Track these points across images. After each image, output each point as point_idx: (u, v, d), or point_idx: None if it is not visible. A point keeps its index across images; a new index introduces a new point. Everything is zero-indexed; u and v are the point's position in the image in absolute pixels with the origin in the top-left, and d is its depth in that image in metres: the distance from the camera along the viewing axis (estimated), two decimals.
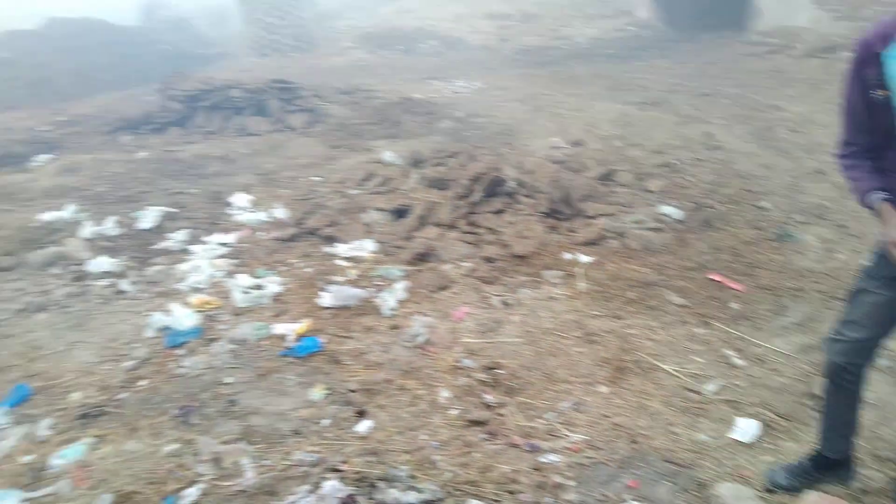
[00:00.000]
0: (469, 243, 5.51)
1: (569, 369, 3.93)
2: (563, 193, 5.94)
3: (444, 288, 4.94)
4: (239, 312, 4.69)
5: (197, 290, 5.04)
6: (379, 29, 19.49)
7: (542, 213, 5.72)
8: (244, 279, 5.07)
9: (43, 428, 3.56)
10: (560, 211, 5.82)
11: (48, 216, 6.54)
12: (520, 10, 20.33)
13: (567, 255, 5.22)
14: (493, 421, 3.46)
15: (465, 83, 12.36)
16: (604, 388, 3.76)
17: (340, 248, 5.58)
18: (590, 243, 5.45)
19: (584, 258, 5.17)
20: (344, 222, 5.97)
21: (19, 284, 5.41)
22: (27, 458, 3.34)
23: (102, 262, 5.59)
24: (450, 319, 4.50)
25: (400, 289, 4.85)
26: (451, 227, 5.70)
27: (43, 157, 9.02)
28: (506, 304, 4.66)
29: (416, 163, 6.95)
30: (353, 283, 5.02)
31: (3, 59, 16.76)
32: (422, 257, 5.33)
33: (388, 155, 7.45)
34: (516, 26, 19.19)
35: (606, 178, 6.67)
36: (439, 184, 6.28)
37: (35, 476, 3.20)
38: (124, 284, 5.26)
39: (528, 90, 11.30)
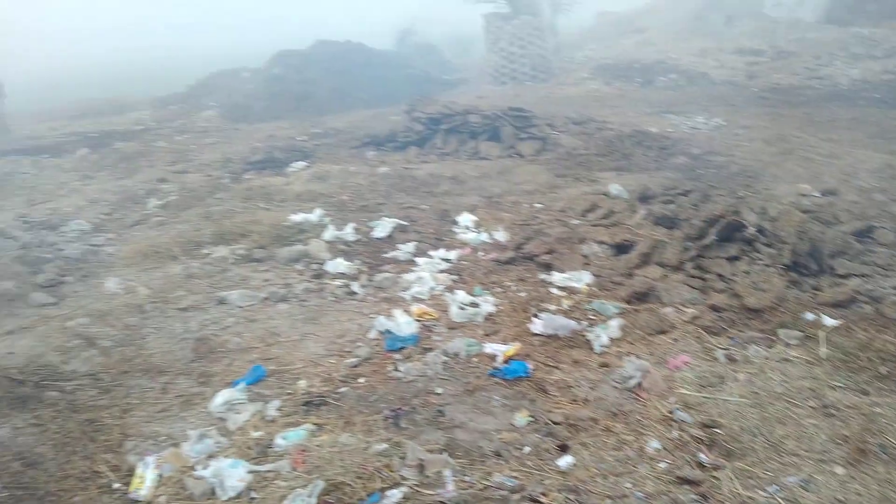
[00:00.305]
0: (695, 288, 5.18)
1: (799, 441, 3.50)
2: (810, 246, 5.36)
3: (662, 332, 4.67)
4: (454, 327, 4.83)
5: (418, 299, 5.28)
6: (617, 60, 19.29)
7: (784, 265, 5.20)
8: (462, 295, 5.22)
9: (272, 408, 3.92)
10: (805, 265, 5.26)
11: (298, 217, 7.27)
12: (774, 46, 18.99)
13: (808, 316, 4.69)
14: (706, 483, 3.18)
15: (705, 119, 11.76)
16: (840, 470, 3.29)
17: (556, 277, 5.53)
18: (837, 305, 4.85)
19: (829, 321, 4.61)
20: (562, 251, 5.92)
21: (267, 275, 6.07)
22: (256, 434, 3.70)
23: (339, 264, 6.09)
24: (666, 366, 4.24)
25: (614, 326, 4.68)
26: (677, 268, 5.41)
27: (298, 164, 10.11)
28: (731, 359, 4.29)
29: (644, 198, 6.71)
30: (566, 313, 4.94)
31: (275, 75, 19.14)
32: (641, 296, 5.11)
33: (614, 187, 7.29)
34: (767, 63, 17.92)
35: (863, 234, 5.92)
36: (668, 222, 6.01)
37: (261, 452, 3.53)
38: (355, 286, 5.67)
39: (776, 131, 10.45)
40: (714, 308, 4.88)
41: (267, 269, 6.21)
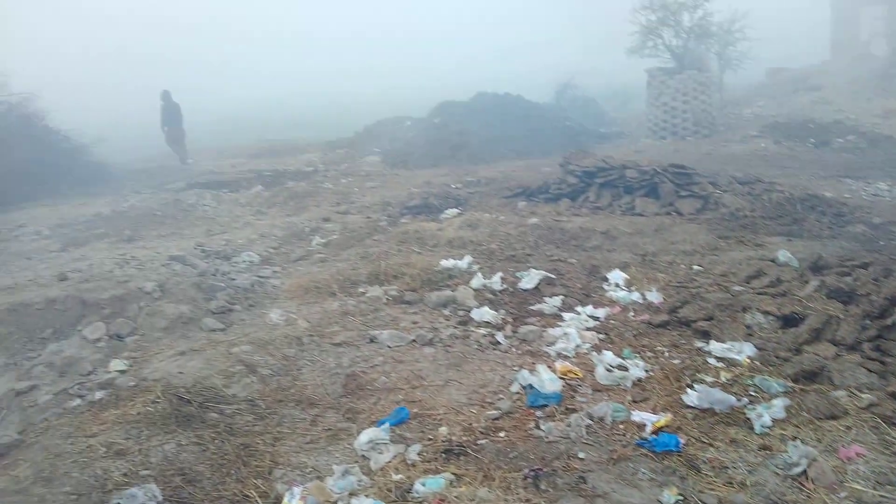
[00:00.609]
0: (873, 372, 4.65)
1: None
2: None
3: (833, 417, 4.23)
4: (599, 389, 4.67)
5: (563, 356, 5.18)
6: (789, 119, 18.23)
7: None
8: (609, 356, 5.04)
9: (413, 452, 3.97)
10: None
11: (448, 263, 7.43)
12: None
13: None
14: None
15: (888, 186, 10.77)
16: None
17: (714, 346, 5.20)
18: None
19: None
20: (722, 319, 5.57)
21: (416, 318, 6.22)
22: (397, 477, 3.74)
23: (485, 313, 6.12)
24: (836, 456, 3.83)
25: (778, 406, 4.30)
26: (853, 348, 4.91)
27: (451, 211, 10.37)
28: None
29: (817, 268, 6.20)
30: (724, 387, 4.61)
31: (436, 123, 19.91)
32: (810, 376, 4.67)
33: (783, 254, 6.81)
34: None
35: None
36: (843, 296, 5.49)
37: (401, 496, 3.56)
38: (499, 336, 5.66)
39: None
40: (895, 396, 4.36)
41: (416, 312, 6.36)
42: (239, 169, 18.09)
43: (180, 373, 4.97)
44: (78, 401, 4.76)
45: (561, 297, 6.43)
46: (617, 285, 6.73)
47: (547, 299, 6.43)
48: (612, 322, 5.85)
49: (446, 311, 6.34)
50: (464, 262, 7.48)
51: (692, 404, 4.38)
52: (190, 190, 14.44)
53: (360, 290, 6.94)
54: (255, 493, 3.65)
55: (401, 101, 31.22)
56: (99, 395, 4.77)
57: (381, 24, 75.42)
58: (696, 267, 7.07)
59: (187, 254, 8.30)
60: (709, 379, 4.73)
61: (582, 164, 9.79)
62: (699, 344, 5.29)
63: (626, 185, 9.29)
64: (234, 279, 7.26)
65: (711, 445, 3.97)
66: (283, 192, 13.20)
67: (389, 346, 5.56)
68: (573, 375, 4.83)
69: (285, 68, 63.58)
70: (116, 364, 5.27)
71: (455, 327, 5.95)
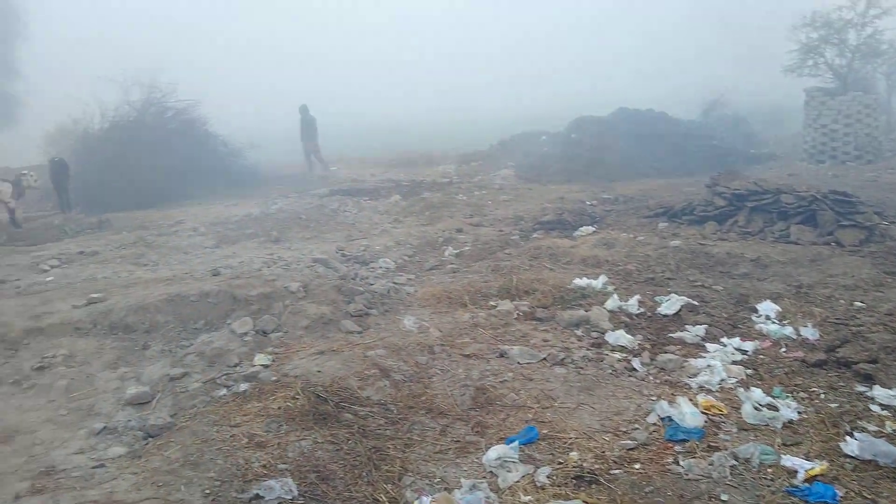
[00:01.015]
0: None
1: None
2: None
3: None
4: (746, 428, 4.35)
5: (705, 389, 4.88)
6: None
7: None
8: (758, 394, 4.69)
9: (542, 475, 3.87)
10: None
11: (582, 282, 7.25)
12: None
13: None
14: None
15: None
16: None
17: (879, 393, 4.71)
18: None
19: None
20: (889, 363, 5.05)
21: (547, 336, 6.10)
22: (525, 498, 3.66)
23: (620, 336, 5.91)
24: None
25: None
26: None
27: (586, 229, 10.14)
28: None
29: None
30: (890, 438, 4.16)
31: (572, 139, 19.64)
32: None
33: None
34: None
35: None
36: None
37: None
38: (636, 363, 5.43)
39: None
40: None
41: (547, 330, 6.25)
42: (378, 178, 18.73)
43: (319, 371, 5.15)
44: (224, 391, 5.04)
45: (705, 325, 6.08)
46: (768, 318, 6.28)
47: (689, 327, 6.11)
48: (762, 357, 5.45)
49: (579, 332, 6.18)
50: (598, 282, 7.27)
51: (852, 454, 3.98)
52: (332, 196, 15.10)
53: (492, 303, 6.92)
54: (384, 498, 3.69)
55: (536, 116, 31.16)
56: (243, 386, 5.03)
57: (515, 39, 76.15)
58: (857, 303, 6.47)
59: (329, 257, 8.65)
60: (872, 427, 4.29)
61: (731, 186, 9.26)
62: (861, 388, 4.81)
63: (779, 211, 8.67)
64: (371, 284, 7.47)
65: (875, 502, 3.59)
66: (420, 202, 13.49)
67: (519, 363, 5.49)
68: (717, 411, 4.53)
69: (425, 83, 65.61)
70: (260, 358, 5.54)
71: (588, 349, 5.78)
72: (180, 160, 18.37)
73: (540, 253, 8.71)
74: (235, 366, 5.50)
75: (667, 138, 17.52)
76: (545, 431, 4.40)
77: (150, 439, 4.41)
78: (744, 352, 5.53)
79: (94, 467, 4.07)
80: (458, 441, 4.32)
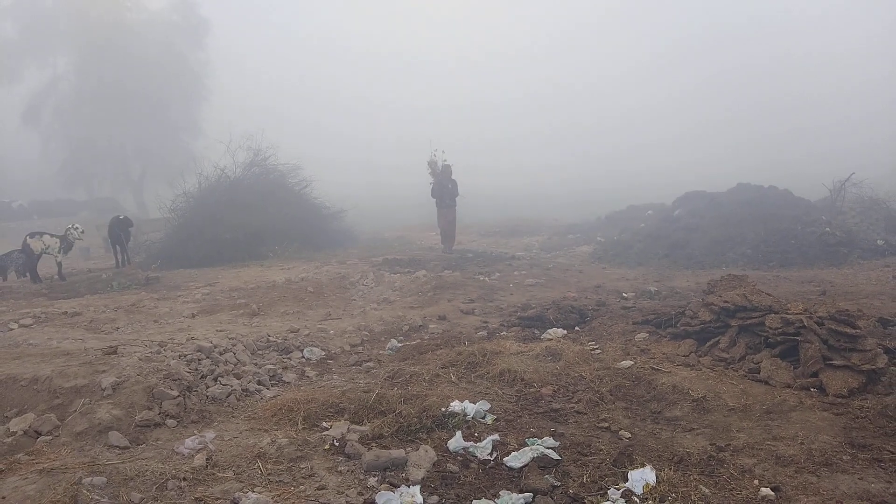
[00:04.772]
0: None
1: None
2: None
3: None
4: None
5: None
6: None
7: None
8: None
9: None
10: None
11: (457, 406, 5.97)
12: None
13: None
14: None
15: None
16: None
17: None
18: None
19: None
20: None
21: (330, 481, 4.87)
22: None
23: (413, 493, 4.58)
24: None
25: None
26: None
27: (555, 331, 8.55)
28: None
29: None
30: None
31: (674, 217, 17.50)
32: None
33: None
34: None
35: None
36: None
37: None
38: None
39: None
40: None
41: (342, 472, 5.05)
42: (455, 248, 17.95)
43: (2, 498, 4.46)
44: None
45: (530, 495, 4.54)
46: (632, 493, 4.58)
47: (509, 496, 4.59)
48: None
49: (375, 480, 4.88)
50: (472, 409, 5.91)
51: None
52: (375, 266, 14.59)
53: (325, 423, 5.82)
54: None
55: (676, 186, 28.72)
56: None
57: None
58: (765, 490, 4.49)
59: (235, 343, 7.99)
60: None
61: (725, 297, 7.29)
62: None
63: (766, 336, 6.62)
64: (224, 384, 6.63)
65: None
66: (434, 279, 12.45)
67: None
68: None
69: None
70: None
71: None
72: (269, 220, 19.07)
73: (460, 360, 7.36)
74: None
75: (770, 222, 14.91)
76: None
77: None
78: None
79: None
80: None
